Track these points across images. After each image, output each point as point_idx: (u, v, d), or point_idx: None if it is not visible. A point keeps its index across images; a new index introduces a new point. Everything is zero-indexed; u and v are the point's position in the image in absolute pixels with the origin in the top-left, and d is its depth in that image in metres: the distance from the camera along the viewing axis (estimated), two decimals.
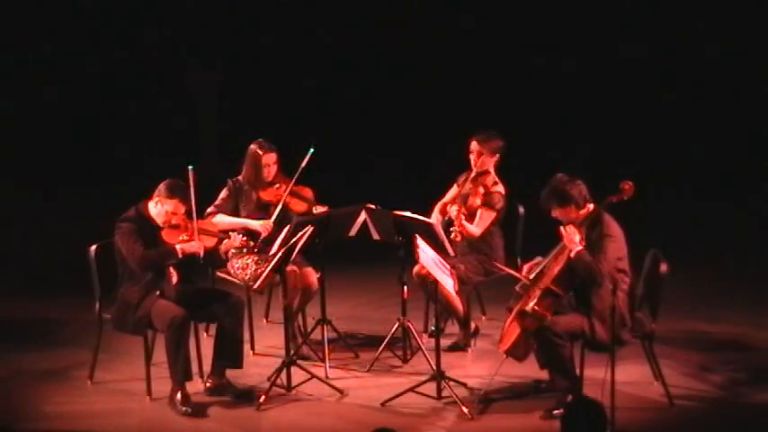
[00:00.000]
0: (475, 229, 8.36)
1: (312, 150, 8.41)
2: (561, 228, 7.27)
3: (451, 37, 14.27)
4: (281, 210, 8.44)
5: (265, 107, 14.29)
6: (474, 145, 8.46)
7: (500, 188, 8.45)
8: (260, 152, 8.51)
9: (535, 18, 14.14)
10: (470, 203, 8.40)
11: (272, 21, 14.47)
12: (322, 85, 14.50)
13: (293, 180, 8.46)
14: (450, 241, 7.97)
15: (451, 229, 8.17)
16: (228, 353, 7.77)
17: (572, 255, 7.17)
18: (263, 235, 8.35)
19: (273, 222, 8.39)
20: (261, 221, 8.40)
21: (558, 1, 14.11)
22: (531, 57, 14.10)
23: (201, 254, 7.70)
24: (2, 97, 14.08)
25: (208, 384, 7.77)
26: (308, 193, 8.60)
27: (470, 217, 8.38)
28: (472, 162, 8.47)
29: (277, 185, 8.54)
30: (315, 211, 8.43)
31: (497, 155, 8.47)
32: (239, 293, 8.48)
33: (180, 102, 14.34)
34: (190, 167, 7.59)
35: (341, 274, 9.47)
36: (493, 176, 8.46)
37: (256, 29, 14.44)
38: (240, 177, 8.59)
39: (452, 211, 8.28)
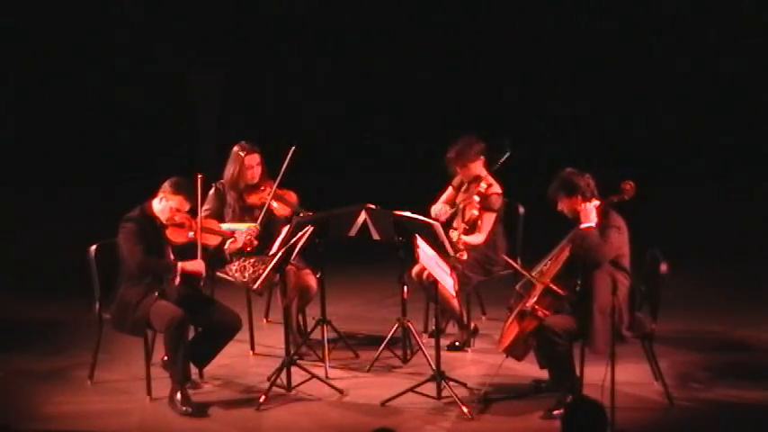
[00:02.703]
0: (478, 237, 8.36)
1: (293, 148, 8.31)
2: (581, 207, 7.27)
3: (452, 36, 14.28)
4: (266, 213, 8.39)
5: (265, 109, 14.30)
6: (451, 163, 8.45)
7: (496, 188, 8.44)
8: (242, 154, 8.44)
9: (535, 18, 14.14)
10: (469, 217, 8.39)
11: (273, 21, 14.47)
12: (322, 85, 14.50)
13: (276, 183, 8.39)
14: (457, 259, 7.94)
15: (458, 256, 8.00)
16: (202, 350, 7.76)
17: (582, 227, 7.18)
18: (246, 240, 8.19)
19: (260, 225, 8.32)
20: (247, 226, 8.26)
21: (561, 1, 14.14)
22: (530, 56, 14.10)
23: (203, 275, 7.71)
24: (2, 97, 14.09)
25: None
26: (292, 197, 8.53)
27: (471, 228, 8.38)
28: (459, 173, 8.49)
29: (262, 188, 8.49)
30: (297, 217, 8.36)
31: (480, 157, 8.44)
32: (239, 294, 8.51)
33: (181, 103, 14.34)
34: (200, 175, 7.60)
35: (341, 275, 9.47)
36: (486, 179, 8.43)
37: (257, 30, 14.45)
38: (223, 180, 8.55)
39: (454, 236, 8.19)
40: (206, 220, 7.90)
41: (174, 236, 7.66)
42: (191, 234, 7.68)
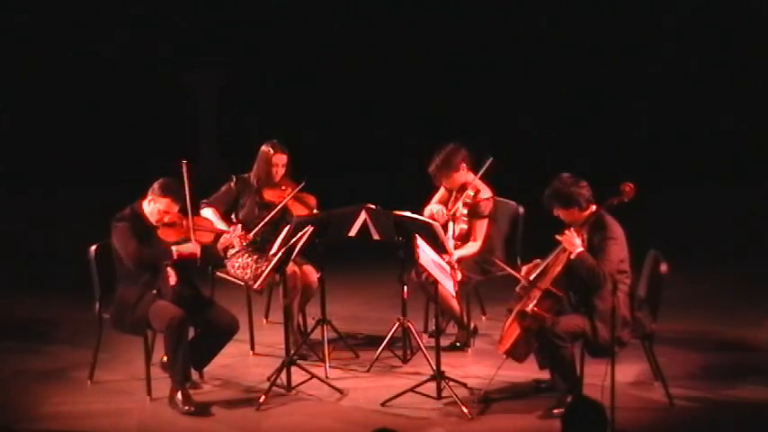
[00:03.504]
0: (473, 246, 8.35)
1: (304, 183, 8.44)
2: (558, 235, 7.26)
3: (452, 37, 14.28)
4: (281, 212, 8.44)
5: (265, 108, 14.30)
6: (432, 174, 8.42)
7: (485, 193, 8.42)
8: (271, 152, 8.55)
9: (535, 17, 14.15)
10: (460, 232, 8.38)
11: (273, 21, 14.48)
12: (323, 86, 14.50)
13: (299, 187, 8.46)
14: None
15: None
16: (199, 351, 7.75)
17: (572, 256, 7.17)
18: (240, 236, 8.19)
19: (269, 222, 8.36)
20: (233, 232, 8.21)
21: (560, 3, 14.14)
22: (530, 55, 14.10)
23: (198, 255, 7.70)
24: (2, 96, 14.10)
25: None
26: (312, 200, 8.61)
27: (464, 241, 8.38)
28: (445, 185, 8.47)
29: (283, 187, 8.55)
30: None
31: (462, 165, 8.39)
32: (239, 294, 8.50)
33: (180, 102, 14.34)
34: (184, 161, 7.61)
35: (341, 274, 9.46)
36: (473, 185, 8.40)
37: (257, 29, 14.45)
38: (249, 175, 8.62)
39: (445, 257, 7.91)
40: (198, 218, 7.89)
41: (167, 235, 7.67)
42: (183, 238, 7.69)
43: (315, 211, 8.55)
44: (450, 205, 8.45)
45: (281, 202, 8.46)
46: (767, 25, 13.55)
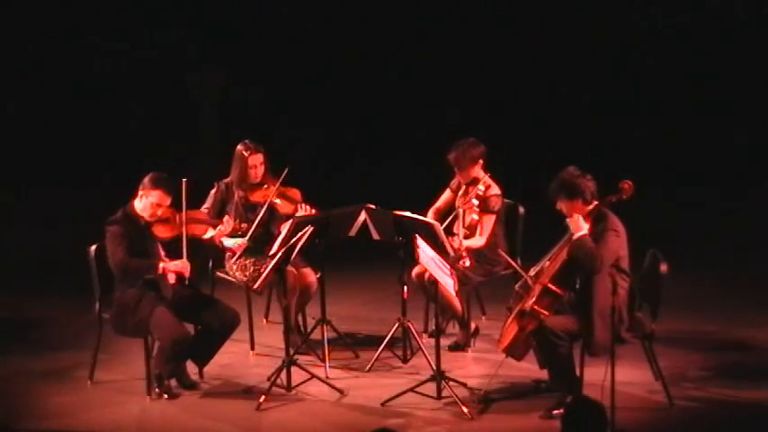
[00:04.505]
0: (478, 240, 8.35)
1: (287, 169, 8.39)
2: (569, 219, 7.26)
3: (452, 36, 14.29)
4: (268, 211, 8.42)
5: (266, 108, 14.31)
6: (452, 161, 8.43)
7: (495, 190, 8.43)
8: (245, 153, 8.49)
9: (535, 17, 14.15)
10: (470, 222, 8.38)
11: (273, 21, 14.48)
12: (323, 86, 14.51)
13: (279, 182, 8.43)
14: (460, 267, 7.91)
15: (459, 264, 7.92)
16: (202, 348, 7.79)
17: (574, 237, 7.16)
18: (235, 226, 8.25)
19: (259, 224, 8.36)
20: (234, 241, 8.32)
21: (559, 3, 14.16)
22: (531, 54, 14.11)
23: (187, 274, 7.70)
24: (2, 96, 14.09)
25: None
26: (296, 194, 8.55)
27: (472, 233, 8.37)
28: (458, 176, 8.48)
29: (265, 186, 8.51)
30: (300, 211, 8.39)
31: (480, 161, 8.43)
32: (239, 294, 8.50)
33: (181, 103, 14.34)
34: (183, 179, 7.61)
35: (341, 274, 9.46)
36: (484, 181, 8.42)
37: (258, 30, 14.45)
38: (228, 179, 8.58)
39: (455, 242, 8.02)
40: (191, 212, 7.89)
41: (161, 232, 7.67)
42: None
43: (300, 203, 8.47)
44: (459, 198, 8.46)
45: (265, 202, 8.42)
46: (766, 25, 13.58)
